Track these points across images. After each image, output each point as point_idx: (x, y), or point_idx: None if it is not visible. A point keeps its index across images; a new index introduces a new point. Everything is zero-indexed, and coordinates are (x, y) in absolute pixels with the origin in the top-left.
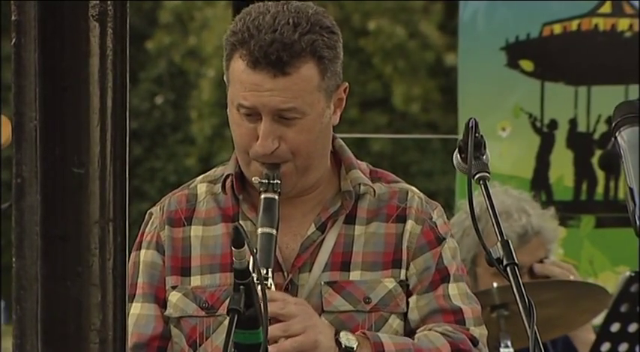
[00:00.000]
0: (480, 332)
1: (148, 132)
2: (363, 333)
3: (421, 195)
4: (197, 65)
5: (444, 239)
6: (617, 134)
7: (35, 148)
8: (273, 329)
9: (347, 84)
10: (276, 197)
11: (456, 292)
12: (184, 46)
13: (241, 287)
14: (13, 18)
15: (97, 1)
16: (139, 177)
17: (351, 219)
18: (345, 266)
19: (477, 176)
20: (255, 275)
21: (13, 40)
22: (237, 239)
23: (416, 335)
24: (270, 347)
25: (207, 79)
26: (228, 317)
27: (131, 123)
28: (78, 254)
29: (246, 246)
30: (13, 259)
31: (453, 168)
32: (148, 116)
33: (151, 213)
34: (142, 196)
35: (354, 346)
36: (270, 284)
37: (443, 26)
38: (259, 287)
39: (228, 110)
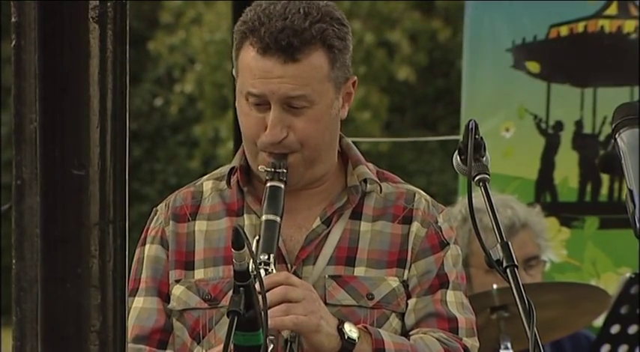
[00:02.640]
0: (472, 343)
1: (147, 134)
2: (365, 328)
3: (428, 197)
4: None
5: (448, 244)
6: (616, 136)
7: (35, 150)
8: (275, 311)
9: (355, 77)
10: (282, 186)
11: (453, 300)
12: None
13: (241, 288)
14: (12, 19)
15: (97, 3)
16: (138, 180)
17: (357, 215)
18: (350, 262)
19: (477, 178)
20: (252, 265)
21: (13, 42)
22: (237, 240)
23: (411, 337)
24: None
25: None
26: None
27: (131, 125)
28: (78, 256)
29: (246, 247)
30: (13, 261)
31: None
32: (148, 117)
33: (157, 210)
34: (142, 198)
35: (356, 338)
36: (272, 270)
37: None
38: (259, 276)
39: (236, 101)
